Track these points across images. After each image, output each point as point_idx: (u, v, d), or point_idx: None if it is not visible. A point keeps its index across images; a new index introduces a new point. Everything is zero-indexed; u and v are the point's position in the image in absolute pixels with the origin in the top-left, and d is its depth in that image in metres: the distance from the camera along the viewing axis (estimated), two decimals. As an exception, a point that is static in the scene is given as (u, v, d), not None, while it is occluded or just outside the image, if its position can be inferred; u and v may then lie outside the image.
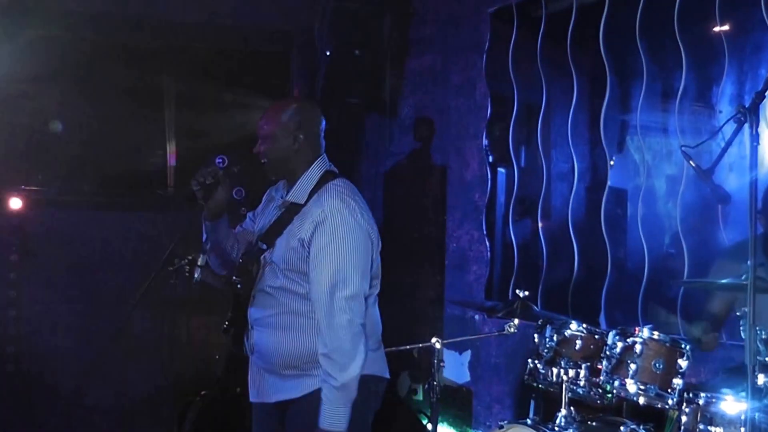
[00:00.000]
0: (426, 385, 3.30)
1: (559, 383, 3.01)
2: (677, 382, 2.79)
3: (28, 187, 4.58)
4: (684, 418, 2.66)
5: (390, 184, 5.54)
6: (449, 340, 3.73)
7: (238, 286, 2.71)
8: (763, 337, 2.58)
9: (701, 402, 2.62)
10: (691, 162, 2.50)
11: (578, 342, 3.03)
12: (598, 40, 4.18)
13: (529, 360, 3.15)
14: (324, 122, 2.74)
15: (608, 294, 4.16)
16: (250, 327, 2.70)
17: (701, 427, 2.59)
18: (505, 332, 3.35)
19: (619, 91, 4.32)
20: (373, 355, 2.62)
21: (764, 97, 2.30)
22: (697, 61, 3.84)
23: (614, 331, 2.93)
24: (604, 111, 4.21)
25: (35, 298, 4.46)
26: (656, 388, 2.79)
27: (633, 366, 2.81)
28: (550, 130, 4.64)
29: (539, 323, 3.17)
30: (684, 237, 3.79)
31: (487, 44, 4.75)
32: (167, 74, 5.19)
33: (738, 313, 2.86)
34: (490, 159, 4.80)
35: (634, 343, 2.84)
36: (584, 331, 3.05)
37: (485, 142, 4.78)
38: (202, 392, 4.27)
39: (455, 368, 4.73)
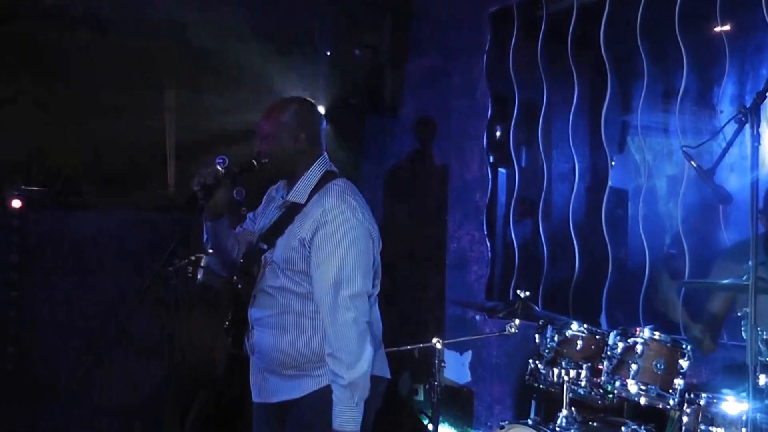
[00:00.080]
0: (427, 386, 3.30)
1: (560, 383, 3.01)
2: (678, 382, 2.79)
3: (28, 188, 4.58)
4: (685, 419, 2.66)
5: (390, 184, 5.54)
6: (450, 341, 3.73)
7: (239, 286, 2.71)
8: (765, 337, 2.58)
9: (702, 402, 2.62)
10: (692, 162, 2.50)
11: (579, 342, 3.03)
12: (599, 41, 4.18)
13: (530, 360, 3.15)
14: (324, 122, 2.74)
15: (609, 294, 4.16)
16: (250, 327, 2.70)
17: (702, 427, 2.59)
18: (506, 332, 3.34)
19: (619, 91, 4.32)
20: (374, 356, 2.62)
21: (765, 97, 2.30)
22: (698, 61, 3.84)
23: (615, 332, 2.93)
24: (605, 111, 4.21)
25: (36, 298, 4.46)
26: (657, 389, 2.78)
27: (634, 366, 2.81)
28: (551, 130, 4.64)
29: (540, 323, 3.17)
30: (685, 237, 3.79)
31: (487, 45, 4.75)
32: (168, 74, 5.19)
33: (739, 314, 2.86)
34: (491, 159, 4.80)
35: (635, 343, 2.83)
36: (585, 332, 3.04)
37: (486, 142, 4.78)
38: (203, 392, 4.26)
39: (456, 368, 4.73)
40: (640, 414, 3.03)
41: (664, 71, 4.12)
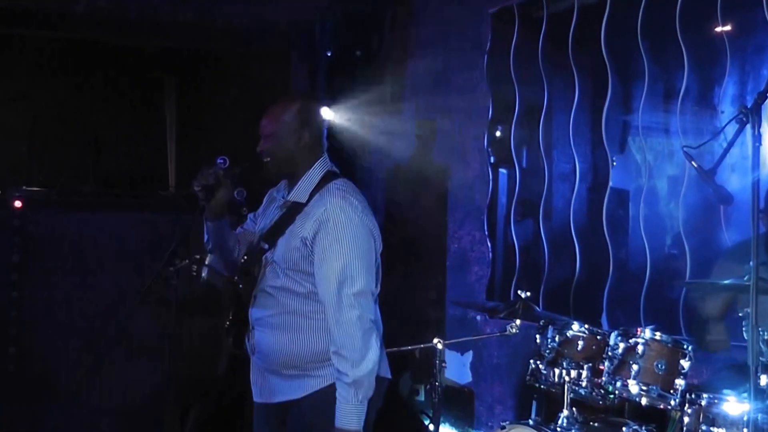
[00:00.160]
0: (428, 386, 3.30)
1: (561, 384, 3.00)
2: (679, 382, 2.79)
3: (29, 188, 4.58)
4: (686, 419, 2.65)
5: (391, 185, 5.54)
6: (451, 341, 3.73)
7: (240, 286, 2.71)
8: (766, 338, 2.57)
9: (703, 403, 2.61)
10: (693, 162, 2.50)
11: (580, 343, 3.03)
12: (600, 41, 4.17)
13: (531, 361, 3.14)
14: (327, 123, 2.74)
15: (610, 295, 4.16)
16: (251, 327, 2.70)
17: (703, 428, 2.58)
18: (506, 333, 3.34)
19: (620, 91, 4.31)
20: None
21: (766, 97, 2.30)
22: (698, 61, 3.84)
23: (616, 332, 2.93)
24: (606, 111, 4.21)
25: (37, 298, 4.46)
26: (658, 389, 2.78)
27: (635, 367, 2.81)
28: (552, 130, 4.64)
29: (541, 324, 3.17)
30: (686, 237, 3.78)
31: (488, 45, 4.75)
32: (168, 75, 5.19)
33: (740, 314, 2.85)
34: (492, 159, 4.80)
35: (636, 343, 2.83)
36: (586, 332, 3.04)
37: (486, 142, 4.77)
38: (204, 393, 4.27)
39: (457, 369, 4.73)
40: (641, 414, 3.02)
41: (665, 71, 4.12)
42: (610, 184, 4.22)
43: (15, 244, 4.39)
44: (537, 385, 3.12)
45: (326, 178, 2.66)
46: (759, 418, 2.41)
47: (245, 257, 2.76)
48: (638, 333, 2.85)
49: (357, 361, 2.46)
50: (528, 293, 3.33)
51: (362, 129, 5.49)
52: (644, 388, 2.79)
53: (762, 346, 2.53)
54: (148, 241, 4.54)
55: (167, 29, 5.12)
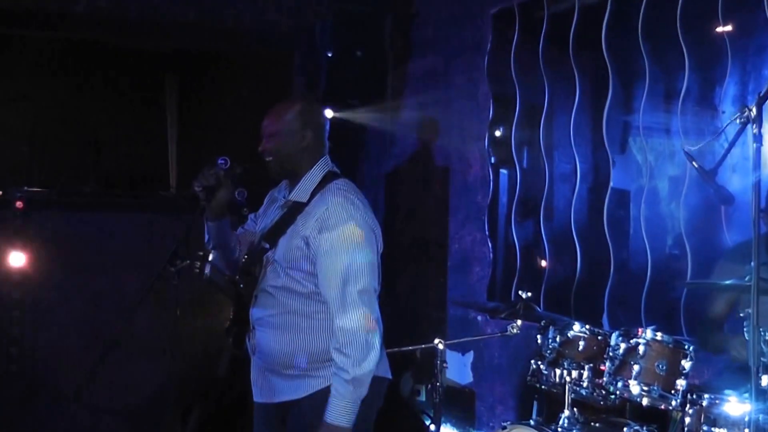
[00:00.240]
0: (429, 386, 3.30)
1: (562, 384, 3.01)
2: (680, 383, 2.78)
3: (30, 189, 4.58)
4: (687, 420, 2.65)
5: (392, 185, 5.54)
6: (452, 341, 3.73)
7: (241, 285, 2.71)
8: (767, 338, 2.57)
9: (705, 403, 2.61)
10: (694, 163, 2.50)
11: (581, 343, 3.03)
12: (601, 41, 4.17)
13: (532, 361, 3.14)
14: (328, 123, 2.75)
15: (611, 295, 4.16)
16: (252, 327, 2.71)
17: (705, 428, 2.58)
18: (507, 333, 3.35)
19: (621, 91, 4.31)
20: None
21: (767, 98, 2.30)
22: (699, 61, 3.84)
23: (617, 332, 2.93)
24: (607, 112, 4.21)
25: (38, 299, 4.46)
26: (659, 389, 2.78)
27: (636, 367, 2.81)
28: (553, 131, 4.64)
29: (542, 324, 3.17)
30: (687, 238, 3.78)
31: (489, 45, 4.75)
32: (169, 75, 5.19)
33: (741, 314, 2.85)
34: (493, 160, 4.80)
35: (637, 344, 2.83)
36: (587, 332, 3.04)
37: (487, 143, 4.78)
38: (205, 393, 4.26)
39: (458, 369, 4.73)
40: (642, 415, 3.02)
41: (666, 72, 4.11)
42: (611, 184, 4.22)
43: (17, 245, 4.39)
44: (538, 385, 3.13)
45: (327, 178, 2.67)
46: (760, 418, 2.41)
47: (246, 257, 2.76)
48: (639, 333, 2.85)
49: (359, 359, 2.46)
50: (529, 293, 3.33)
51: (363, 129, 5.49)
52: (645, 388, 2.79)
53: (763, 347, 2.52)
54: (148, 241, 4.54)
55: (168, 30, 5.12)
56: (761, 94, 2.30)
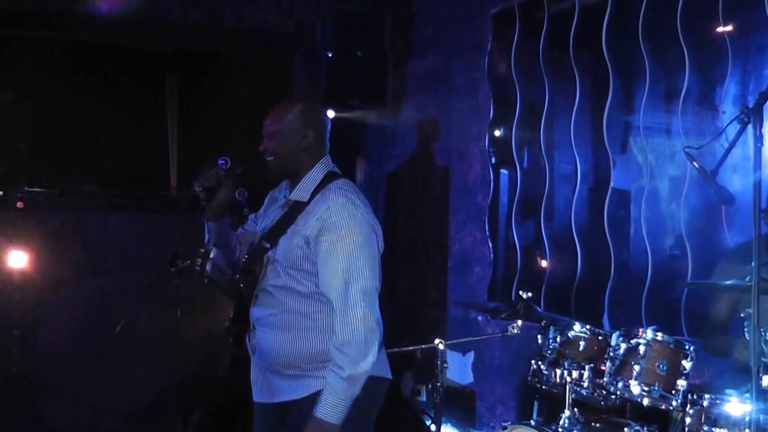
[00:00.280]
0: (429, 386, 3.30)
1: (563, 384, 3.00)
2: (681, 383, 2.78)
3: (31, 189, 4.59)
4: (688, 420, 2.65)
5: (392, 185, 5.55)
6: (452, 341, 3.73)
7: (241, 285, 2.71)
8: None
9: (705, 403, 2.61)
10: (694, 163, 2.50)
11: (582, 343, 3.03)
12: (601, 41, 4.17)
13: (533, 361, 3.14)
14: (330, 124, 2.75)
15: (611, 295, 4.16)
16: (252, 327, 2.71)
17: (705, 428, 2.58)
18: (508, 333, 3.35)
19: (622, 92, 4.31)
20: (375, 356, 2.62)
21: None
22: (700, 61, 3.83)
23: (618, 333, 2.92)
24: (607, 112, 4.21)
25: (39, 299, 4.47)
26: (660, 390, 2.78)
27: (637, 367, 2.80)
28: (553, 131, 4.64)
29: (542, 324, 3.16)
30: (687, 238, 3.78)
31: (489, 45, 4.75)
32: (169, 75, 5.19)
33: (742, 315, 2.85)
34: (493, 160, 4.80)
35: (638, 344, 2.83)
36: (588, 333, 3.04)
37: (488, 143, 4.78)
38: (206, 393, 4.27)
39: (458, 369, 4.73)
40: (642, 415, 3.02)
41: (666, 72, 4.11)
42: (612, 184, 4.22)
43: (18, 245, 4.40)
44: (538, 385, 3.12)
45: (328, 178, 2.67)
46: (761, 418, 2.41)
47: (246, 256, 2.76)
48: (640, 333, 2.85)
49: (358, 359, 2.46)
50: (529, 294, 3.33)
51: (363, 129, 5.49)
52: (646, 388, 2.79)
53: (764, 347, 2.52)
54: (149, 241, 4.55)
55: (168, 30, 5.13)
56: (762, 94, 2.30)
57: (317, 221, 2.56)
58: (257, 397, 2.76)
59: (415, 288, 5.30)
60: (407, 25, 5.38)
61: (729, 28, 3.65)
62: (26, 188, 4.57)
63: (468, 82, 4.91)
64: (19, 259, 4.38)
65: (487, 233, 4.75)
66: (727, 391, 2.61)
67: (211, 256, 2.68)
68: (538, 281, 4.52)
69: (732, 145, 2.39)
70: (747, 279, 2.56)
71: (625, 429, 2.94)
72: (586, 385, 2.96)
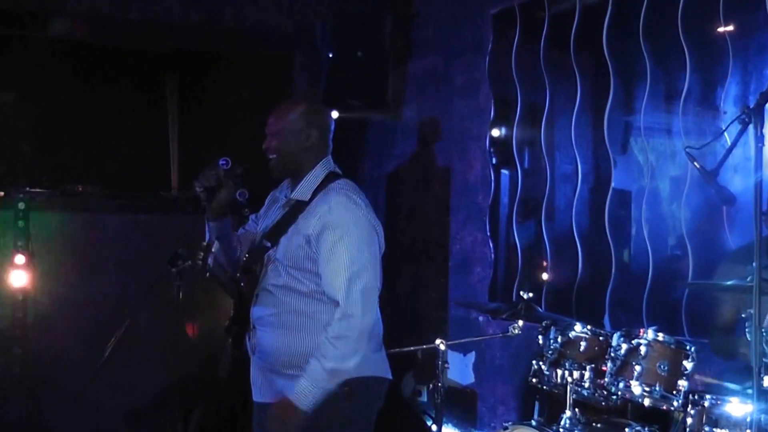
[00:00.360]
0: (430, 387, 3.30)
1: (564, 385, 3.00)
2: (682, 383, 2.78)
3: (32, 189, 4.59)
4: (689, 420, 2.65)
5: (392, 186, 5.55)
6: (453, 342, 3.73)
7: (242, 284, 2.72)
8: (768, 338, 2.57)
9: (706, 404, 2.61)
10: (695, 163, 2.50)
11: (583, 343, 3.03)
12: (602, 41, 4.17)
13: (534, 361, 3.14)
14: (333, 124, 2.76)
15: (612, 296, 4.16)
16: (252, 326, 2.71)
17: (706, 429, 2.58)
18: (509, 334, 3.35)
19: (622, 92, 4.31)
20: (375, 357, 2.62)
21: (768, 98, 2.30)
22: (701, 61, 3.83)
23: (619, 333, 2.93)
24: (608, 112, 4.21)
25: (40, 300, 4.47)
26: (661, 390, 2.78)
27: (638, 368, 2.80)
28: (554, 131, 4.64)
29: (543, 325, 3.17)
30: (688, 238, 3.78)
31: (489, 46, 4.75)
32: (170, 75, 5.19)
33: (743, 315, 2.85)
34: (494, 161, 4.80)
35: (639, 344, 2.83)
36: (589, 333, 3.04)
37: (488, 143, 4.78)
38: (207, 394, 4.26)
39: (459, 369, 4.73)
40: (643, 415, 3.02)
41: (667, 72, 4.11)
42: (613, 185, 4.22)
43: (19, 246, 4.40)
44: (540, 386, 3.12)
45: (329, 178, 2.68)
46: (762, 419, 2.41)
47: (247, 255, 2.77)
48: (641, 334, 2.85)
49: (347, 355, 2.48)
50: (530, 294, 3.33)
51: (363, 130, 5.49)
52: (647, 389, 2.79)
53: (765, 347, 2.52)
54: (150, 241, 4.55)
55: (169, 30, 5.13)
56: (763, 94, 2.29)
57: (318, 220, 2.56)
58: (257, 396, 2.76)
59: (415, 288, 5.30)
60: (407, 25, 5.38)
61: (730, 28, 3.65)
62: (27, 189, 4.57)
63: (468, 82, 4.91)
64: (19, 260, 4.37)
65: (488, 233, 4.75)
66: (730, 386, 2.61)
67: (213, 249, 2.67)
68: (538, 281, 4.52)
69: (733, 145, 2.39)
70: (748, 280, 2.56)
71: (626, 429, 2.94)
72: (587, 385, 2.96)
